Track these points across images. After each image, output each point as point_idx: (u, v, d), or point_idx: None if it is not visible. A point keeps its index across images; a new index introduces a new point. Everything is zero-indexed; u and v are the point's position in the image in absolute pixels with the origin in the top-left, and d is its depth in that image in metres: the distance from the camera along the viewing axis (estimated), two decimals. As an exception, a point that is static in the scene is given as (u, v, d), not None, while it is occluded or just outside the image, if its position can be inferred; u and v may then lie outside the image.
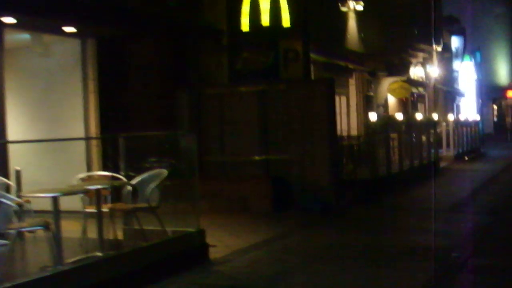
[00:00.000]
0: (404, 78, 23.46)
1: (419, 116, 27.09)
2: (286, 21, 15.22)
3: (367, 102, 27.66)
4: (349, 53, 25.06)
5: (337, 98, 25.02)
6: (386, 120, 20.24)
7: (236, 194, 14.70)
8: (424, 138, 25.13)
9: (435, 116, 28.30)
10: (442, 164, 28.16)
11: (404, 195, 18.30)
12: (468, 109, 45.40)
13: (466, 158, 29.68)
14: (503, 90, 59.14)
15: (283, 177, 14.84)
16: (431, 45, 30.59)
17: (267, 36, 15.62)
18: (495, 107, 60.46)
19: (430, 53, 31.08)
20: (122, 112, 13.58)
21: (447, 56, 41.83)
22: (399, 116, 23.96)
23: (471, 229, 12.40)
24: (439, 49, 38.62)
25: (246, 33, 15.52)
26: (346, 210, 15.15)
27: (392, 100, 29.10)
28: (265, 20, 15.26)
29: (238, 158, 15.14)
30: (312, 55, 19.02)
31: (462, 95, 43.59)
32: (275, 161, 15.00)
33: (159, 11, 14.64)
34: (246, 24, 15.44)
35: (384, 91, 23.82)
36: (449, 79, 41.66)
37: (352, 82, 25.53)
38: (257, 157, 14.83)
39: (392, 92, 23.80)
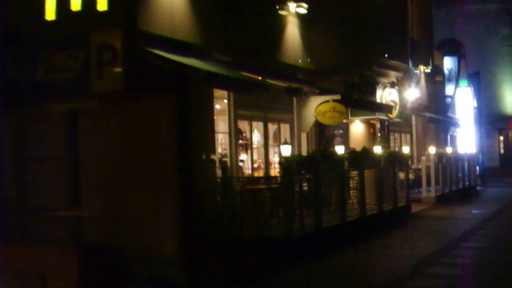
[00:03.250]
0: (337, 97, 17.86)
1: (382, 149, 21.52)
2: (102, 3, 9.81)
3: (322, 132, 22.12)
4: (291, 69, 19.64)
5: (274, 126, 19.59)
6: (311, 156, 14.71)
7: (33, 268, 9.29)
8: (394, 176, 19.72)
9: (406, 150, 22.67)
10: (417, 208, 22.55)
11: (327, 263, 12.87)
12: (466, 140, 39.60)
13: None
14: (509, 119, 53.21)
15: (103, 245, 9.38)
16: (407, 62, 25.04)
17: (77, 27, 10.24)
18: (501, 138, 54.47)
19: (406, 73, 25.53)
20: None
21: (438, 79, 36.23)
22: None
23: None
24: (427, 70, 33.11)
25: (51, 23, 10.12)
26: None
27: (358, 128, 23.54)
28: (76, 3, 9.87)
29: (40, 212, 9.71)
30: (231, 73, 13.85)
31: (457, 124, 37.76)
32: (91, 219, 9.55)
33: None
34: (52, 10, 10.05)
35: (310, 114, 18.25)
36: (440, 106, 35.98)
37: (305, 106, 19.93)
38: (62, 212, 9.38)
39: (321, 116, 18.17)
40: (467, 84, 40.17)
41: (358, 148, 19.28)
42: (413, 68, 31.67)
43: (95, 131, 9.79)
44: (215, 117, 16.45)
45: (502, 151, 54.25)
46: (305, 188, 14.60)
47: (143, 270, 9.40)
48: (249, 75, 15.12)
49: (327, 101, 17.94)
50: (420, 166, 26.02)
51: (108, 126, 9.73)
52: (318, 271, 12.05)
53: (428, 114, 31.49)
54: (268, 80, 15.39)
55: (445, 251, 14.03)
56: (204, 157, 13.93)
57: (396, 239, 16.00)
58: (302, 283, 11.02)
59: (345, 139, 22.41)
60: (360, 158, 16.77)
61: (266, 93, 15.12)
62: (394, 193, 19.88)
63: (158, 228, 9.56)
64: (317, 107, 17.91)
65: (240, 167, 17.51)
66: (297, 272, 11.82)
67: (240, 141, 17.94)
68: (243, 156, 17.88)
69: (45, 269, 8.96)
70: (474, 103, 41.37)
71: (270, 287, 10.64)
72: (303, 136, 21.55)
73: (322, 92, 18.17)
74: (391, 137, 30.98)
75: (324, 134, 22.04)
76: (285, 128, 20.85)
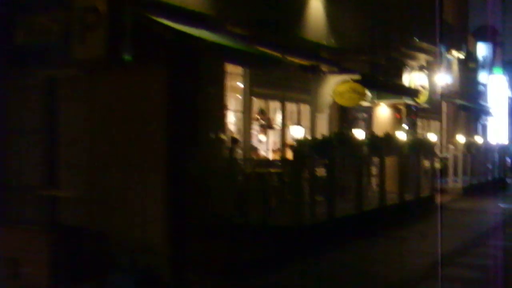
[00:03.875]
0: (357, 77, 16.65)
1: (410, 135, 20.37)
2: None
3: (344, 115, 21.01)
4: (313, 47, 18.54)
5: (292, 106, 18.51)
6: (325, 140, 13.67)
7: (4, 252, 8.44)
8: (418, 165, 18.65)
9: (433, 137, 21.50)
10: (444, 199, 21.37)
11: (336, 257, 11.93)
12: (498, 130, 38.18)
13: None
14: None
15: (82, 228, 8.48)
16: (438, 46, 23.78)
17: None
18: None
19: (437, 57, 24.27)
20: None
21: (472, 66, 34.81)
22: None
23: None
24: (460, 56, 31.75)
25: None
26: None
27: (383, 113, 22.39)
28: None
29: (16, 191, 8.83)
30: (244, 47, 12.85)
31: (489, 113, 36.29)
32: (70, 200, 8.64)
33: None
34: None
35: (327, 94, 17.08)
36: (472, 93, 34.57)
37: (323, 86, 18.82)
38: (39, 192, 8.49)
39: (339, 97, 16.97)
40: (502, 72, 38.66)
41: (382, 133, 18.22)
42: (446, 53, 30.40)
43: (76, 102, 8.88)
44: (227, 94, 15.53)
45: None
46: (320, 174, 13.61)
47: (125, 258, 8.52)
48: (265, 50, 14.06)
49: (347, 81, 16.76)
50: (447, 155, 24.80)
51: (91, 97, 8.80)
52: (325, 267, 11.06)
53: (458, 101, 30.14)
54: (287, 57, 14.28)
55: (467, 249, 12.95)
56: (211, 136, 12.98)
57: (415, 232, 14.92)
58: (300, 283, 10.01)
59: (368, 124, 21.27)
60: (381, 143, 15.68)
61: (282, 70, 14.07)
62: (418, 182, 18.79)
63: (144, 212, 8.67)
64: (335, 87, 16.77)
65: (256, 149, 16.53)
66: (301, 268, 10.83)
67: (262, 122, 16.95)
68: (261, 138, 16.87)
69: (17, 253, 8.12)
70: (508, 92, 39.83)
71: (265, 285, 9.62)
72: (324, 119, 20.49)
73: (342, 71, 17.02)
74: (419, 124, 29.81)
75: (347, 117, 20.93)
76: (304, 109, 19.82)
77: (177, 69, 9.73)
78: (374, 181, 16.43)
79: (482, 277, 10.59)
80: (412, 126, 22.71)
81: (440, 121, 32.04)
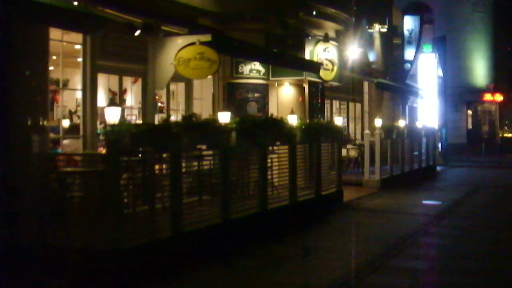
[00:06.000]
0: (207, 37, 12.46)
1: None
2: None
3: (231, 95, 17.16)
4: (189, 12, 14.62)
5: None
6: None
7: None
8: (318, 155, 15.03)
9: (339, 120, 17.77)
10: (355, 195, 17.82)
11: None
12: (428, 113, 34.91)
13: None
14: (479, 92, 48.57)
15: None
16: (349, 13, 20.04)
17: None
18: (469, 112, 49.85)
19: (349, 26, 20.52)
20: None
21: (397, 42, 31.35)
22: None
23: None
24: (383, 29, 28.21)
25: None
26: None
27: (283, 92, 18.55)
28: None
29: None
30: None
31: (417, 94, 32.85)
32: None
33: None
34: None
35: (168, 63, 12.89)
36: (398, 72, 31.09)
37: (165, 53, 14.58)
38: None
39: (182, 66, 12.72)
40: (431, 50, 35.36)
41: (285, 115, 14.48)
42: (366, 26, 26.82)
43: None
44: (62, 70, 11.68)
45: (470, 126, 49.72)
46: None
47: None
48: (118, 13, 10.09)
49: (193, 43, 12.65)
50: (363, 143, 21.20)
51: None
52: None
53: (382, 80, 26.51)
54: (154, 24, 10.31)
55: (361, 272, 9.20)
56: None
57: (296, 248, 11.18)
58: None
59: (262, 106, 17.43)
60: (256, 129, 11.84)
61: (105, 31, 10.11)
62: (318, 176, 15.08)
63: None
64: (178, 52, 12.66)
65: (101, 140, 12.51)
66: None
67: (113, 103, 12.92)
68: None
69: None
70: (439, 72, 36.56)
71: None
72: (207, 100, 16.62)
73: (192, 32, 12.97)
74: (337, 106, 26.21)
75: (234, 98, 17.09)
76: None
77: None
78: (251, 178, 12.62)
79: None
80: (318, 108, 18.89)
81: (361, 103, 28.52)
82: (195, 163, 11.80)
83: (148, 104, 13.04)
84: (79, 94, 12.80)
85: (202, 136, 10.44)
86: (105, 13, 11.26)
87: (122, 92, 13.87)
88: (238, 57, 15.81)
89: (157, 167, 10.16)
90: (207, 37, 12.32)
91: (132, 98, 14.95)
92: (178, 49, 12.44)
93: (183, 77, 14.52)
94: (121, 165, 8.82)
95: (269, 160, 13.31)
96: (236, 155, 11.78)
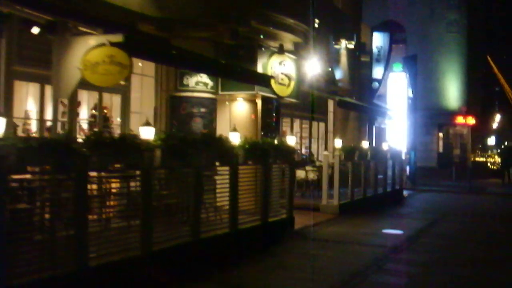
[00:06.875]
0: (118, 38, 10.73)
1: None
2: None
3: (175, 110, 15.65)
4: (127, 16, 13.12)
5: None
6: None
7: None
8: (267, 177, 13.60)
9: (292, 140, 16.24)
10: (309, 222, 16.31)
11: None
12: (397, 135, 33.59)
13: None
14: (451, 115, 47.45)
15: None
16: (308, 24, 18.62)
17: None
18: (440, 135, 48.69)
19: (308, 38, 19.10)
20: None
21: (365, 60, 30.07)
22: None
23: None
24: (350, 45, 26.88)
25: None
26: None
27: (234, 108, 17.12)
28: None
29: None
30: None
31: (385, 115, 31.54)
32: None
33: None
34: None
35: (74, 67, 11.18)
36: (366, 91, 29.79)
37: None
38: None
39: (90, 71, 10.94)
40: (401, 69, 34.10)
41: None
42: (332, 42, 25.51)
43: None
44: None
45: (441, 149, 48.56)
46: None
47: None
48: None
49: (102, 44, 11.01)
50: (322, 164, 19.73)
51: None
52: None
53: (338, 98, 25.06)
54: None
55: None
56: None
57: (226, 288, 9.65)
58: None
59: (209, 122, 15.91)
60: (187, 148, 10.32)
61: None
62: (264, 201, 13.58)
63: None
64: (85, 54, 11.02)
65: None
66: None
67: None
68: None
69: None
70: (409, 92, 35.30)
71: None
72: (149, 114, 15.07)
73: (106, 31, 11.37)
74: (299, 125, 24.79)
75: (178, 113, 15.58)
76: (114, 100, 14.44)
77: None
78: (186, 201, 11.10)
79: None
80: (271, 127, 17.41)
81: (326, 122, 27.15)
82: (114, 185, 10.24)
83: (53, 114, 11.42)
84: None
85: (117, 154, 8.91)
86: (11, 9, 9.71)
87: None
88: (170, 65, 14.35)
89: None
90: (118, 38, 10.69)
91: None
92: (86, 51, 10.82)
93: (120, 87, 13.01)
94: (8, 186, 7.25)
95: (212, 182, 11.89)
96: (162, 176, 10.23)
